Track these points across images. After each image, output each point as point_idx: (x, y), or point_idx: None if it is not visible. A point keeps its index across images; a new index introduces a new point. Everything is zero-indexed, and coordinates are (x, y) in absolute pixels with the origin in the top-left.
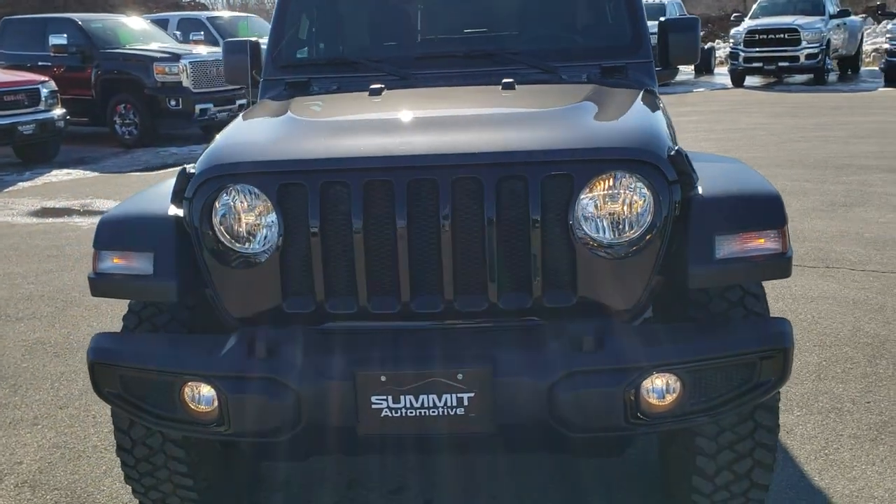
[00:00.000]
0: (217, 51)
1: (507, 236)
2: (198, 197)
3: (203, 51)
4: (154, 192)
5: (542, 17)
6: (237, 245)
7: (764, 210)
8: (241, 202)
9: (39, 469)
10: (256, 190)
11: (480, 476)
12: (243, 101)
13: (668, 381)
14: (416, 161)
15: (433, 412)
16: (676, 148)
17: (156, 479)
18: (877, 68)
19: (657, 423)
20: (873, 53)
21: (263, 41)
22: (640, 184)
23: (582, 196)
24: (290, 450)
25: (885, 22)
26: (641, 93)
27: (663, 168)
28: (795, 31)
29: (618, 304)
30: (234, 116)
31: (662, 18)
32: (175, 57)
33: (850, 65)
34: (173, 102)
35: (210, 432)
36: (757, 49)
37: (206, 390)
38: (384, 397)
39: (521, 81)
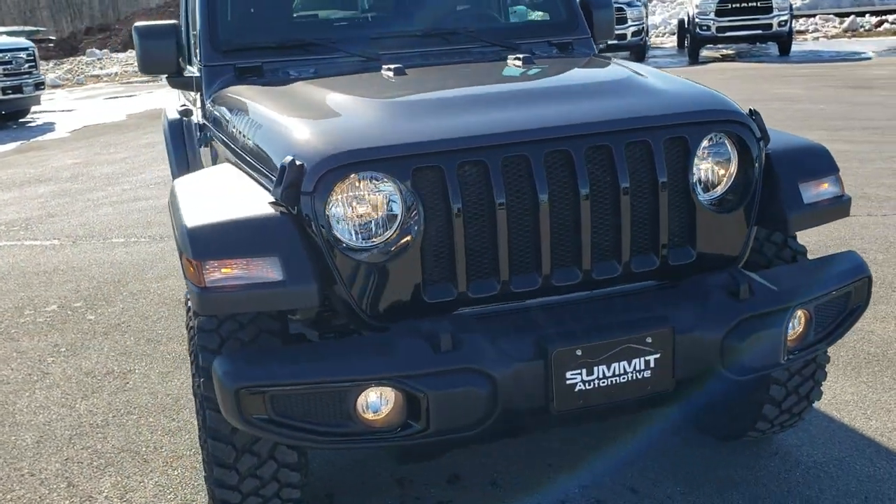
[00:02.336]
0: None
1: (637, 200)
2: (321, 190)
3: None
4: (216, 189)
5: None
6: (371, 237)
7: (822, 160)
8: (373, 191)
9: None
10: (389, 176)
11: (529, 448)
12: None
13: (796, 317)
14: (550, 133)
15: (623, 378)
16: (753, 109)
17: (261, 498)
18: None
19: (798, 356)
20: None
21: None
22: (738, 141)
23: (696, 156)
24: (481, 439)
25: None
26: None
27: (752, 126)
28: None
29: (728, 254)
30: None
31: None
32: None
33: None
34: None
35: (397, 437)
36: None
37: (374, 396)
38: (578, 371)
39: (502, 58)
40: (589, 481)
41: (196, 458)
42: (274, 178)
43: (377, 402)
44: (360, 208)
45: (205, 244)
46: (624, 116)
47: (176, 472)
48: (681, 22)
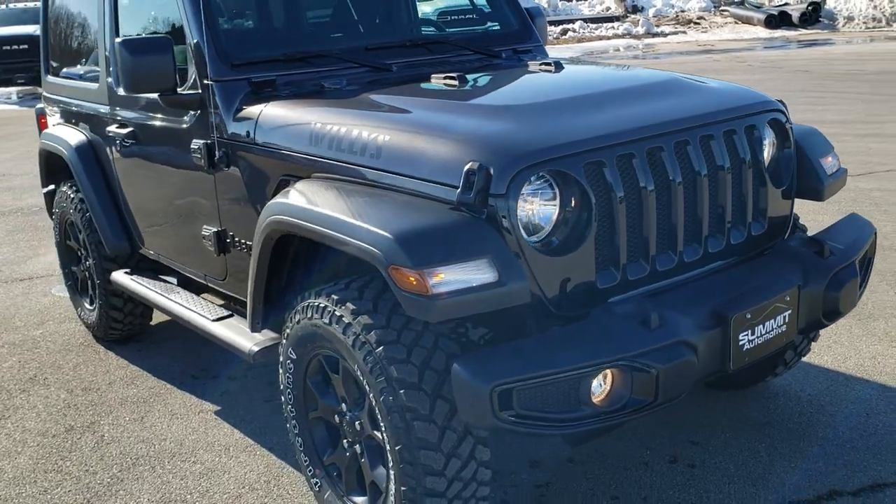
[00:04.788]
0: None
1: (734, 179)
2: (512, 190)
3: None
4: (362, 201)
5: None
6: (556, 232)
7: (822, 139)
8: (555, 187)
9: None
10: (568, 172)
11: None
12: None
13: None
14: (680, 124)
15: (770, 335)
16: (780, 99)
17: (462, 500)
18: None
19: (856, 300)
20: None
21: None
22: (776, 126)
23: (764, 140)
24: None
25: None
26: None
27: (786, 113)
28: None
29: (782, 222)
30: None
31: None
32: None
33: None
34: None
35: (626, 414)
36: None
37: (596, 379)
38: (746, 332)
39: (525, 63)
40: (653, 444)
41: (259, 491)
42: (428, 183)
43: (598, 384)
44: (546, 205)
45: (422, 252)
46: (720, 108)
47: None
48: None
